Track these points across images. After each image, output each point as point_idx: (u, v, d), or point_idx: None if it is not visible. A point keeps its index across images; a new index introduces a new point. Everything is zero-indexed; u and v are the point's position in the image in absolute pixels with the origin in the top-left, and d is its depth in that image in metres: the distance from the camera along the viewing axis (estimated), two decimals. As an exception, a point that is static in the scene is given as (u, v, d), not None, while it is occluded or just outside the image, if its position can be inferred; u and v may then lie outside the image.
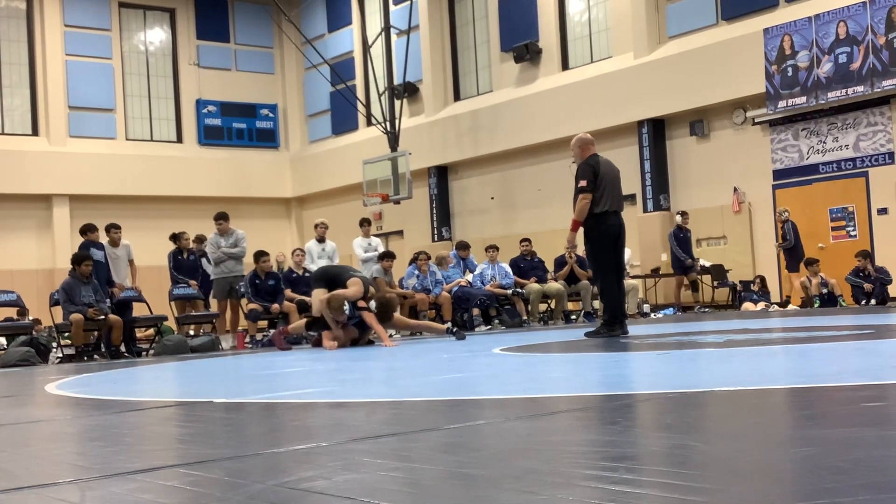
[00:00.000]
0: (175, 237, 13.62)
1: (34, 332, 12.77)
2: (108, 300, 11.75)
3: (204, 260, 13.83)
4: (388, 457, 2.61)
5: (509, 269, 14.57)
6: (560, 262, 15.33)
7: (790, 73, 15.83)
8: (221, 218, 13.19)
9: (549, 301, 14.95)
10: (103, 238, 12.67)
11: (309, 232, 21.36)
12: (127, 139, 23.69)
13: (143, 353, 12.01)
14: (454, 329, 10.60)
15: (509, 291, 14.22)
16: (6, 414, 4.99)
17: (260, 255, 12.70)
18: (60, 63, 22.79)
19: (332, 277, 10.28)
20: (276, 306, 12.55)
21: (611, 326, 8.66)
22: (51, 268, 21.63)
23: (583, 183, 8.56)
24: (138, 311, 12.68)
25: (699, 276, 17.01)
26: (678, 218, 16.43)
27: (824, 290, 14.84)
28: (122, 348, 11.76)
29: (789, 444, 2.52)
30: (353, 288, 9.82)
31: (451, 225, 22.03)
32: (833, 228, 15.93)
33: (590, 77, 18.85)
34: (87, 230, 12.44)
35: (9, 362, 10.72)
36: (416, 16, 21.57)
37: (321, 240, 13.96)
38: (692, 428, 2.95)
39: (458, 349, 8.29)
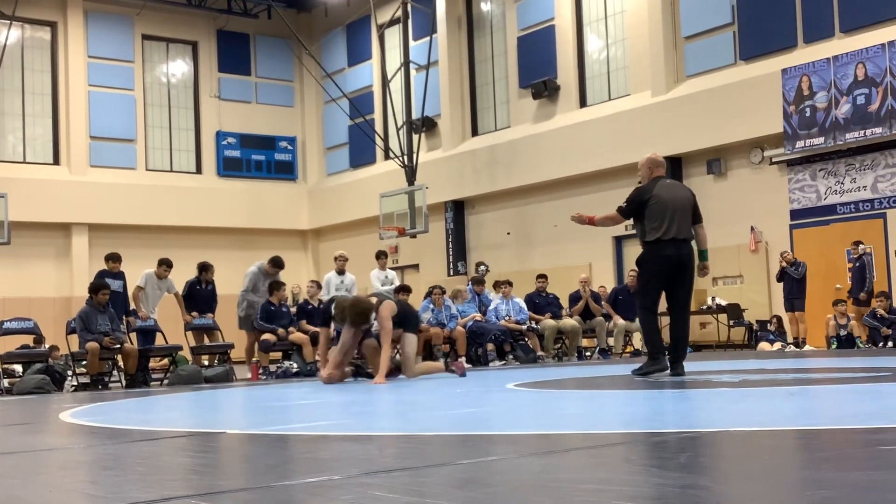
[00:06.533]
0: (204, 268, 13.66)
1: (50, 360, 12.81)
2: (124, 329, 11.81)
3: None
4: (401, 491, 2.60)
5: (524, 305, 14.55)
6: (575, 298, 15.30)
7: (808, 114, 15.82)
8: (281, 266, 13.37)
9: (564, 337, 14.90)
10: (142, 268, 13.12)
11: (325, 264, 21.42)
12: (147, 169, 23.87)
13: (160, 382, 12.02)
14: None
15: (524, 327, 14.19)
16: (20, 441, 5.01)
17: (277, 286, 12.86)
18: (83, 93, 23.04)
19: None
20: (281, 330, 12.56)
21: (654, 361, 8.13)
22: (68, 296, 21.72)
23: (623, 203, 8.17)
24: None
25: (715, 316, 16.96)
26: None
27: (841, 332, 14.74)
28: (139, 377, 11.79)
29: (805, 487, 2.50)
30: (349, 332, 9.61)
31: (466, 259, 22.03)
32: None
33: (607, 114, 18.90)
34: (109, 258, 12.80)
35: (24, 390, 10.77)
36: (436, 51, 21.73)
37: (340, 272, 13.98)
38: (707, 468, 2.93)
39: (471, 384, 8.27)
